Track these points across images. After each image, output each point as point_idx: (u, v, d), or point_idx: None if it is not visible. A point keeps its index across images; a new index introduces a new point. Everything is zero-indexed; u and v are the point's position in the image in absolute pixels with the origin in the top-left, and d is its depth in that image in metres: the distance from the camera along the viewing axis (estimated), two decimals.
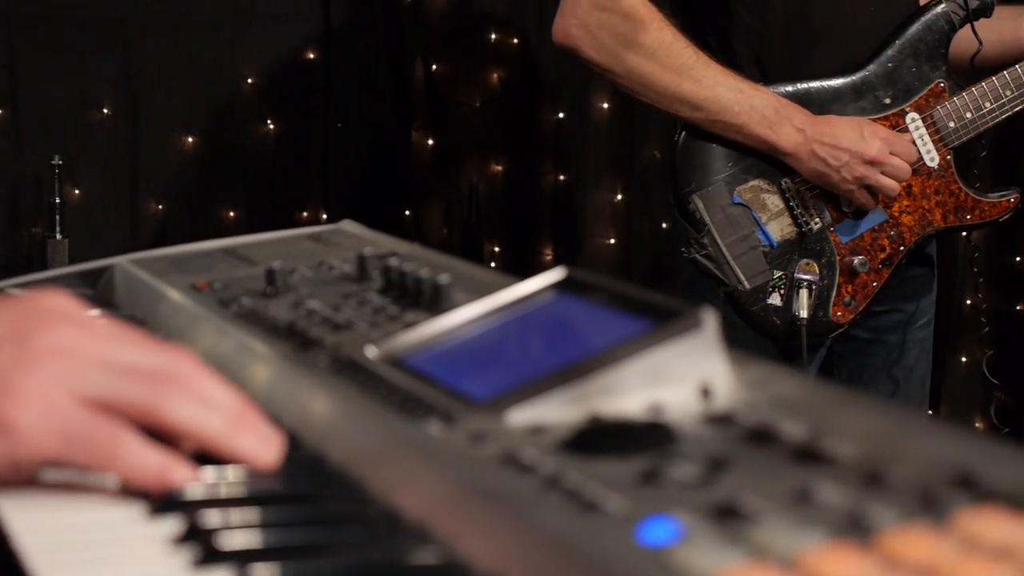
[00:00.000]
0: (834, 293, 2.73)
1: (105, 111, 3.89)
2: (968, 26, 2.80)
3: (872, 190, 2.68)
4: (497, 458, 0.97)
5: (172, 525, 0.96)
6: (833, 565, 0.75)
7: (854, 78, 2.77)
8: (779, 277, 2.70)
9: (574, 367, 1.09)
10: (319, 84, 4.12)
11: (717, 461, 0.92)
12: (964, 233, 3.21)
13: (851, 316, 2.76)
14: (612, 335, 1.11)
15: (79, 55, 3.86)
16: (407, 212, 4.18)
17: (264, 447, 1.04)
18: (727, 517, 0.84)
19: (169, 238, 3.88)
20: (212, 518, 0.96)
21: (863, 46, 2.81)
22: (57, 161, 3.65)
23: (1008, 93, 2.77)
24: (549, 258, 4.30)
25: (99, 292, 1.79)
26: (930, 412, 4.12)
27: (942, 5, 2.75)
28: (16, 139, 3.78)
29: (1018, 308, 4.33)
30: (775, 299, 2.70)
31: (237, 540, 0.92)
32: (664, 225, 4.33)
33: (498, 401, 1.07)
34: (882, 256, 2.75)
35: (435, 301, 1.38)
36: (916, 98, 2.76)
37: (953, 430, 0.94)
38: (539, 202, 4.30)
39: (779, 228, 2.74)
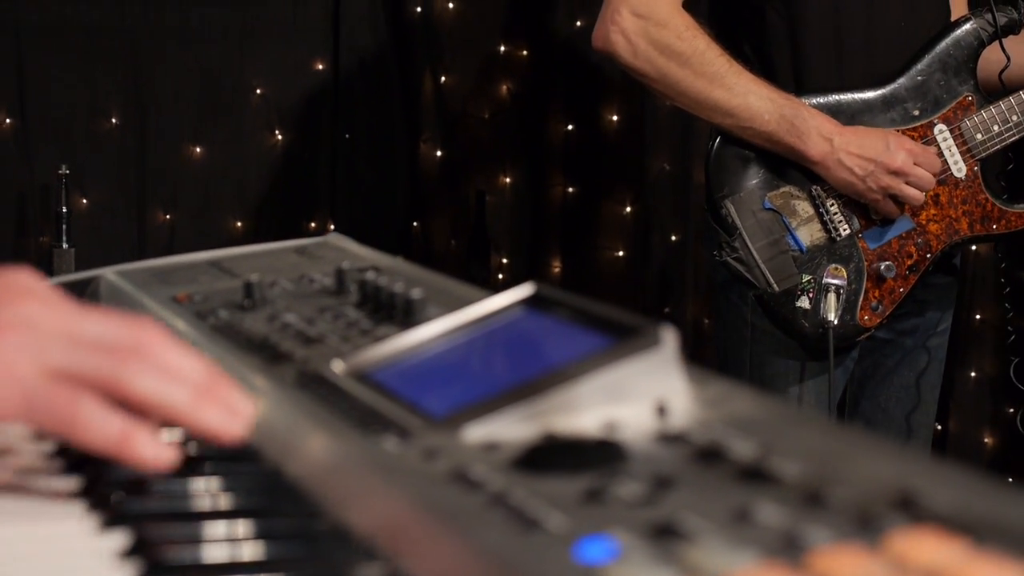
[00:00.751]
0: (861, 298, 2.77)
1: (113, 121, 3.90)
2: (996, 42, 2.84)
3: (897, 199, 2.72)
4: (447, 475, 0.97)
5: (120, 539, 0.97)
6: None
7: (884, 90, 2.82)
8: (808, 281, 2.74)
9: (532, 383, 1.09)
10: (327, 95, 4.13)
11: (663, 480, 0.93)
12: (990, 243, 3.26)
13: (878, 320, 2.79)
14: (572, 352, 1.12)
15: (87, 65, 3.87)
16: (415, 223, 4.19)
17: (230, 421, 1.03)
18: (664, 536, 0.84)
19: (176, 248, 3.89)
20: (159, 532, 0.96)
21: (894, 59, 2.86)
22: (64, 170, 3.67)
23: None
24: (557, 270, 4.31)
25: (84, 303, 1.79)
26: (938, 425, 4.11)
27: (971, 21, 2.80)
28: (24, 148, 3.79)
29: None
30: (804, 302, 2.73)
31: (183, 554, 0.92)
32: (674, 238, 4.34)
33: (455, 417, 1.07)
34: (909, 263, 2.79)
35: (407, 315, 1.38)
36: (945, 110, 2.80)
37: (899, 450, 0.94)
38: (548, 214, 4.30)
39: (809, 233, 2.78)
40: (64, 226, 3.65)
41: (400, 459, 1.01)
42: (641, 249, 4.33)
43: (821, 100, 2.79)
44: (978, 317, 4.31)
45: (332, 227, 4.09)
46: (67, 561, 0.95)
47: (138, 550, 0.94)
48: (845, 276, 2.75)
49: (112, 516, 1.00)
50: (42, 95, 3.80)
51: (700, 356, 4.41)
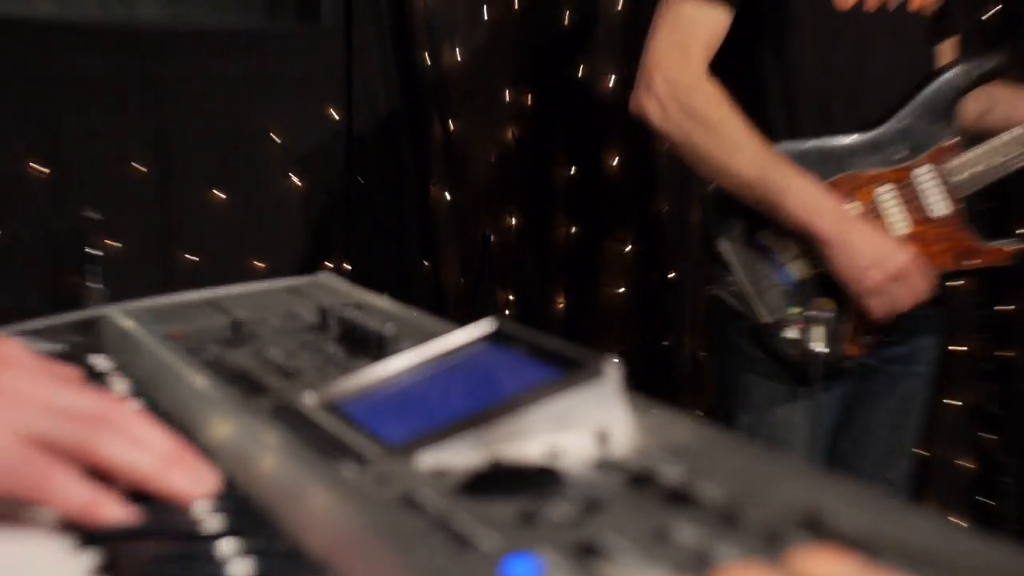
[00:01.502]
0: (849, 329, 2.77)
1: (141, 168, 3.92)
2: (979, 90, 2.89)
3: (890, 301, 2.75)
4: (396, 499, 0.99)
5: (94, 558, 0.98)
6: None
7: (871, 135, 2.84)
8: (797, 312, 2.75)
9: (483, 413, 1.11)
10: (341, 141, 4.16)
11: (593, 503, 0.95)
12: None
13: (861, 352, 2.80)
14: (523, 383, 1.14)
15: (116, 116, 3.90)
16: (425, 262, 4.20)
17: (195, 484, 1.07)
18: (586, 555, 0.85)
19: (201, 287, 3.90)
20: (130, 551, 0.98)
21: (882, 105, 2.88)
22: (95, 215, 3.68)
23: (1016, 149, 2.81)
24: (561, 306, 4.32)
25: (90, 340, 1.81)
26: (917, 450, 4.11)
27: (954, 70, 2.81)
28: (58, 195, 3.82)
29: (1011, 354, 4.31)
30: (793, 332, 2.77)
31: (142, 571, 0.93)
32: (671, 275, 4.34)
33: (409, 445, 1.09)
34: None
35: (380, 349, 1.40)
36: (927, 153, 2.82)
37: (814, 473, 0.96)
38: (552, 253, 4.32)
39: (798, 268, 2.82)
40: (96, 267, 3.66)
41: (355, 484, 1.03)
42: (641, 286, 4.34)
43: (812, 144, 2.81)
44: (958, 347, 4.30)
45: (348, 266, 4.11)
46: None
47: (109, 569, 0.96)
48: (832, 309, 2.77)
49: (86, 536, 1.02)
50: (74, 145, 3.84)
51: (698, 386, 4.42)
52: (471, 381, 1.21)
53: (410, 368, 1.29)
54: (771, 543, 0.84)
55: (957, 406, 4.31)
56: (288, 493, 1.08)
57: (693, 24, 2.79)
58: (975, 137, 2.85)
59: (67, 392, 1.07)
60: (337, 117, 4.15)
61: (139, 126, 3.93)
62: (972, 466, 4.34)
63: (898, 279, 2.73)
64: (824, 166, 2.78)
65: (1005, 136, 2.80)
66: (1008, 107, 2.97)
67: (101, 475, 1.03)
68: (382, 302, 1.68)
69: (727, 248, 2.84)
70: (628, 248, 4.34)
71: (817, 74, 2.85)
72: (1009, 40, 2.93)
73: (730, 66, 2.91)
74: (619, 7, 4.28)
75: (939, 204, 2.79)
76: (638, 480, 0.98)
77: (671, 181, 4.34)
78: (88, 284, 3.66)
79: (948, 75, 2.81)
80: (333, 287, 1.84)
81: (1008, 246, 2.86)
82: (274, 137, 4.07)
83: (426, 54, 4.16)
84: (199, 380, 1.40)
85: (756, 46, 2.90)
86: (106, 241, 3.77)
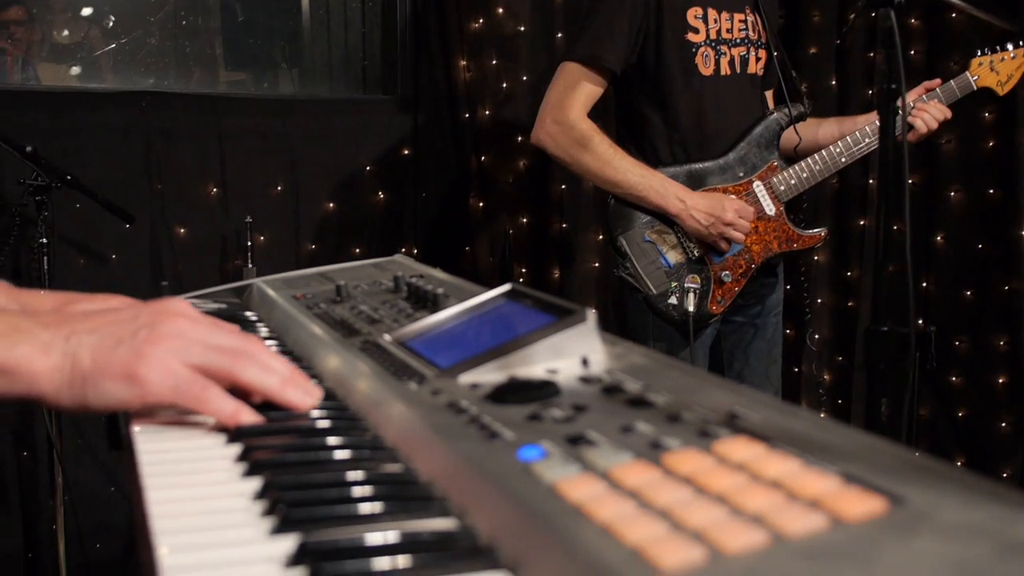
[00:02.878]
0: (710, 295, 2.79)
1: (279, 188, 3.89)
2: (792, 128, 2.92)
3: (726, 239, 2.75)
4: (444, 406, 0.95)
5: (237, 448, 0.94)
6: (630, 476, 0.72)
7: (721, 161, 2.86)
8: (675, 286, 2.78)
9: (503, 345, 1.07)
10: (411, 168, 4.13)
11: (579, 407, 0.90)
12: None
13: (722, 310, 2.83)
14: (530, 326, 1.09)
15: (263, 155, 3.90)
16: (467, 248, 4.16)
17: (306, 398, 1.04)
18: (575, 444, 0.81)
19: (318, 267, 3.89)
20: (262, 443, 0.93)
21: (730, 139, 2.91)
22: (249, 220, 3.66)
23: (818, 168, 2.85)
24: (557, 275, 4.27)
25: (243, 302, 1.79)
26: (795, 368, 4.06)
27: (775, 114, 2.86)
28: (224, 206, 3.79)
29: (849, 304, 4.25)
30: (673, 300, 2.78)
31: (271, 456, 0.89)
32: None
33: (453, 368, 1.05)
34: (740, 271, 2.83)
35: (435, 305, 1.36)
36: (759, 172, 2.85)
37: (733, 386, 0.91)
38: (550, 242, 4.28)
39: (674, 255, 2.83)
40: (249, 255, 3.64)
41: (416, 395, 0.99)
42: (608, 262, 4.30)
43: (681, 170, 2.85)
44: (820, 301, 4.25)
45: (416, 251, 4.07)
46: (204, 464, 0.92)
47: (246, 456, 0.91)
48: (699, 282, 2.83)
49: (232, 434, 0.98)
50: (235, 173, 3.81)
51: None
52: (494, 324, 1.17)
53: (453, 316, 1.25)
54: (704, 436, 0.79)
55: (818, 340, 4.27)
56: (372, 402, 1.03)
57: (577, 82, 2.82)
58: (791, 160, 2.90)
59: (217, 334, 1.05)
60: (407, 153, 4.11)
61: (278, 162, 3.91)
62: (828, 378, 4.29)
63: (729, 224, 2.75)
64: (691, 182, 2.80)
65: (810, 160, 2.84)
66: (810, 139, 2.99)
67: (242, 392, 1.02)
68: (437, 273, 1.64)
69: (623, 243, 2.86)
70: (600, 237, 4.29)
71: (688, 118, 2.85)
72: (807, 93, 2.98)
73: (628, 111, 2.94)
74: None
75: (769, 207, 2.81)
76: (608, 390, 0.94)
77: None
78: (246, 266, 3.63)
79: (771, 117, 2.86)
80: (405, 264, 1.80)
81: (818, 233, 2.92)
82: (366, 167, 4.04)
83: (466, 112, 4.11)
84: (314, 326, 1.35)
85: (645, 98, 2.87)
86: (255, 237, 3.74)
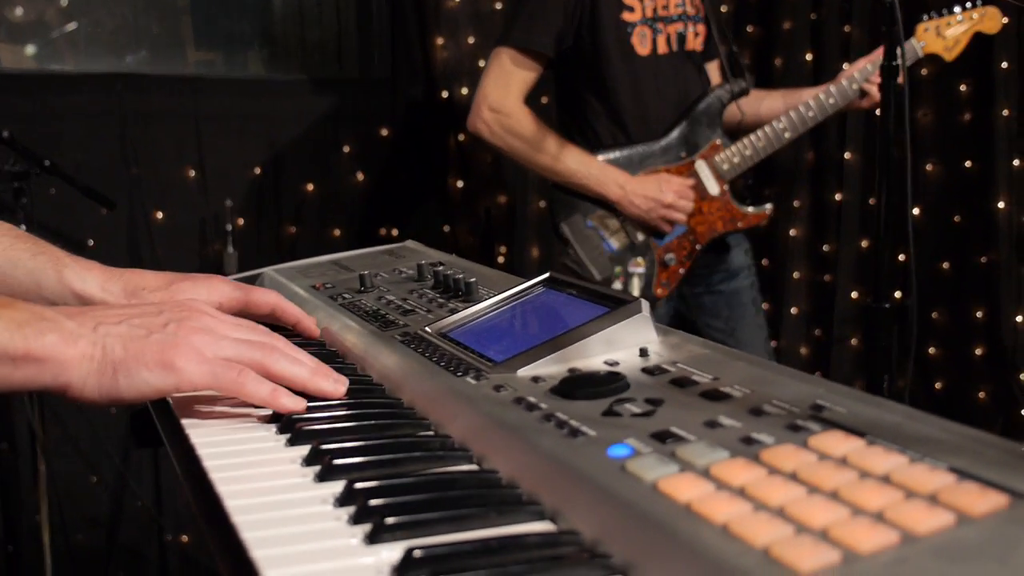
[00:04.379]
0: (655, 278, 2.77)
1: (257, 171, 3.84)
2: (734, 104, 2.86)
3: (668, 221, 2.72)
4: (511, 401, 0.93)
5: (303, 449, 0.92)
6: (733, 474, 0.71)
7: (662, 142, 2.85)
8: (619, 271, 2.75)
9: (558, 338, 1.05)
10: (390, 149, 4.08)
11: (654, 401, 0.88)
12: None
13: (667, 292, 2.85)
14: (582, 317, 1.08)
15: (241, 137, 3.83)
16: (447, 228, 4.13)
17: (335, 387, 1.06)
18: (662, 440, 0.79)
19: (298, 250, 3.84)
20: (328, 443, 0.91)
21: (671, 119, 2.84)
22: (229, 203, 3.60)
23: (760, 145, 2.82)
24: (536, 255, 4.25)
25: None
26: (773, 343, 4.08)
27: (716, 91, 2.81)
28: (203, 189, 3.73)
29: (826, 278, 4.27)
30: (617, 285, 2.78)
31: (339, 455, 0.87)
32: None
33: (510, 362, 1.03)
34: (684, 253, 2.83)
35: (467, 294, 1.34)
36: (702, 151, 2.81)
37: (808, 377, 0.90)
38: (529, 221, 4.25)
39: (617, 240, 2.81)
40: (230, 238, 3.58)
41: (478, 390, 0.97)
42: None
43: (622, 153, 2.82)
44: (795, 275, 4.27)
45: (396, 232, 4.04)
46: (261, 457, 0.91)
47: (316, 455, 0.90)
48: (643, 265, 2.79)
49: (285, 425, 0.97)
50: (213, 157, 3.75)
51: None
52: (541, 315, 1.15)
53: (493, 306, 1.23)
54: (795, 431, 0.78)
55: (796, 314, 4.29)
56: (430, 397, 1.01)
57: (512, 68, 2.78)
58: (735, 136, 2.86)
59: (245, 329, 1.08)
60: (386, 134, 4.06)
61: (257, 144, 3.84)
62: (806, 351, 4.32)
63: (669, 206, 2.73)
64: (632, 165, 2.77)
65: (752, 136, 2.80)
66: (752, 113, 2.94)
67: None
68: (454, 259, 1.62)
69: (567, 230, 2.84)
70: None
71: (628, 100, 2.80)
72: (748, 67, 2.93)
73: (568, 95, 2.90)
74: None
75: (712, 186, 2.78)
76: (678, 383, 0.93)
77: None
78: (227, 250, 3.58)
79: (712, 95, 2.81)
80: (418, 250, 1.77)
81: (763, 210, 2.89)
82: (344, 148, 3.99)
83: (444, 91, 4.07)
84: (346, 318, 1.33)
85: (584, 80, 2.83)
86: (235, 220, 3.69)
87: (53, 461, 3.34)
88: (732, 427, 0.80)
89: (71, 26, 3.85)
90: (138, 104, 3.64)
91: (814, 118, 2.80)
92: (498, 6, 4.14)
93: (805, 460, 0.72)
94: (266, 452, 0.91)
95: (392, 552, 0.70)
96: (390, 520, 0.72)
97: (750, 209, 2.87)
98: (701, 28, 2.87)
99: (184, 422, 0.99)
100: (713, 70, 2.99)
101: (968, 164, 3.90)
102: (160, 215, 3.68)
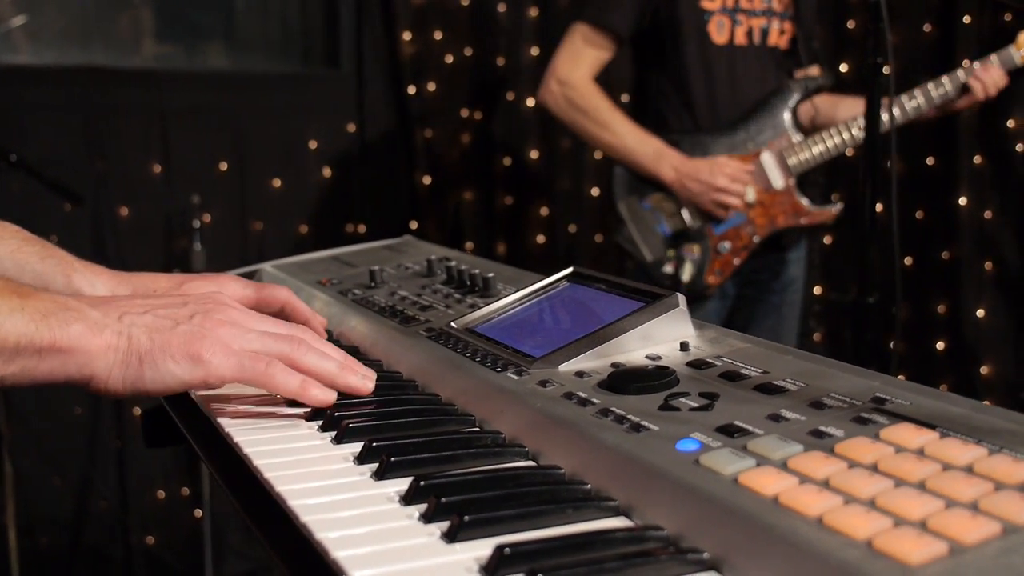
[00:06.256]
0: (707, 266, 2.75)
1: (224, 166, 3.78)
2: (809, 100, 2.86)
3: (721, 205, 2.70)
4: (561, 396, 0.92)
5: (356, 446, 0.91)
6: (813, 467, 0.71)
7: (730, 131, 2.85)
8: (672, 254, 2.73)
9: (596, 333, 1.05)
10: (356, 145, 4.05)
11: (708, 395, 0.88)
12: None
13: (719, 281, 2.81)
14: (617, 311, 1.07)
15: (207, 131, 3.77)
16: (414, 224, 4.10)
17: (364, 382, 1.05)
18: (732, 435, 0.79)
19: (266, 247, 3.80)
20: (380, 440, 0.90)
21: (742, 109, 2.84)
22: (196, 199, 3.55)
23: (833, 142, 2.80)
24: (502, 251, 4.24)
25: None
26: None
27: (793, 84, 2.80)
28: (168, 184, 3.67)
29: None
30: (668, 268, 2.75)
31: (395, 452, 0.85)
32: (572, 229, 4.29)
33: (550, 357, 1.02)
34: (740, 243, 2.80)
35: (486, 290, 1.33)
36: (770, 143, 2.80)
37: (855, 369, 0.90)
38: (496, 217, 4.25)
39: (672, 224, 2.81)
40: (197, 235, 3.53)
41: (523, 385, 0.96)
42: (553, 237, 4.28)
43: (688, 137, 2.80)
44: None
45: (364, 229, 4.01)
46: (307, 454, 0.90)
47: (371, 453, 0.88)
48: (697, 252, 2.75)
49: (326, 421, 0.96)
50: (180, 151, 3.69)
51: None
52: (572, 310, 1.14)
53: (518, 301, 1.22)
54: (863, 423, 0.78)
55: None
56: (471, 393, 1.00)
57: (584, 44, 2.80)
58: (806, 133, 2.82)
59: (271, 323, 1.06)
60: (353, 129, 4.03)
61: (222, 138, 3.79)
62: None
63: (721, 190, 2.71)
64: (696, 150, 2.76)
65: (825, 133, 2.77)
66: (828, 113, 2.92)
67: None
68: (458, 254, 1.60)
69: (623, 209, 2.83)
70: (542, 211, 4.28)
71: (699, 86, 2.80)
72: (829, 64, 2.88)
73: (641, 76, 2.92)
74: (534, 54, 4.20)
75: (777, 179, 2.76)
76: (728, 376, 0.92)
77: (573, 171, 4.28)
78: (194, 247, 3.52)
79: (788, 88, 2.79)
80: (420, 245, 1.76)
81: (829, 209, 2.82)
82: (311, 144, 3.95)
83: (411, 86, 4.05)
84: (358, 314, 1.31)
85: (657, 63, 2.84)
86: (202, 216, 3.63)
87: (19, 461, 3.27)
88: (797, 420, 0.80)
89: (18, 20, 3.76)
90: (102, 98, 3.57)
91: (916, 109, 2.75)
92: (464, 2, 4.13)
93: (883, 453, 0.72)
94: (315, 451, 0.89)
95: (472, 550, 0.69)
96: (468, 518, 0.71)
97: (815, 206, 2.83)
98: (788, 26, 2.85)
99: (222, 421, 0.97)
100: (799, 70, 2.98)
101: (930, 161, 3.96)
102: (125, 211, 3.61)
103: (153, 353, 0.96)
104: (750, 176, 2.74)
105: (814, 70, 2.85)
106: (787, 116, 2.79)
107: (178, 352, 0.96)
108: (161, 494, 3.71)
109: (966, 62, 2.88)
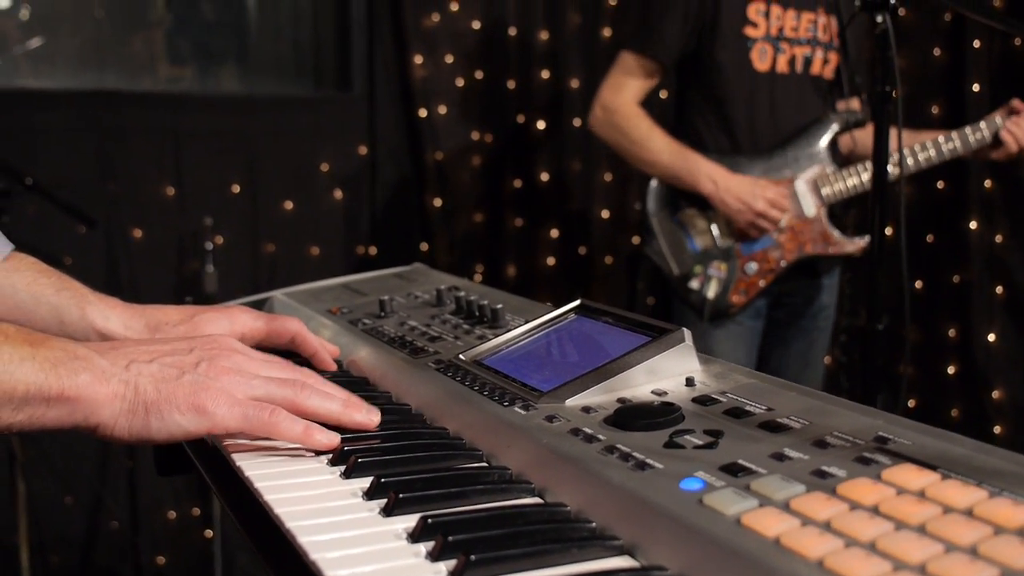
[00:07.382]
0: (733, 285, 2.78)
1: (236, 188, 3.81)
2: (848, 133, 2.88)
3: (756, 227, 2.74)
4: (567, 432, 0.93)
5: (365, 481, 0.92)
6: (815, 509, 0.71)
7: (767, 157, 2.87)
8: (699, 269, 2.77)
9: (603, 368, 1.05)
10: (368, 168, 4.08)
11: (713, 432, 0.89)
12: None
13: (744, 301, 2.83)
14: (623, 346, 1.08)
15: (220, 155, 3.80)
16: (424, 246, 4.12)
17: (368, 417, 1.07)
18: (736, 474, 0.80)
19: (277, 269, 3.82)
20: (388, 476, 0.91)
21: (781, 136, 2.87)
22: (208, 221, 3.57)
23: (866, 176, 2.84)
24: (513, 274, 4.26)
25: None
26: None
27: (833, 116, 2.83)
28: (181, 207, 3.70)
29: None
30: (695, 284, 2.79)
31: (403, 489, 0.86)
32: (582, 251, 4.30)
33: (557, 392, 1.03)
34: (767, 266, 2.82)
35: (494, 321, 1.33)
36: (806, 171, 2.82)
37: (859, 407, 0.91)
38: (506, 239, 4.26)
39: (702, 240, 2.84)
40: (210, 257, 3.55)
41: (529, 420, 0.97)
42: (563, 259, 4.30)
43: (726, 158, 2.85)
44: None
45: (374, 251, 4.03)
46: (311, 479, 0.91)
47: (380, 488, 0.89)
48: (724, 270, 2.80)
49: (336, 457, 0.97)
50: (193, 174, 3.73)
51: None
52: (579, 343, 1.15)
53: (526, 333, 1.23)
54: (865, 463, 0.79)
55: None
56: (478, 427, 1.01)
57: (629, 71, 2.87)
58: (842, 165, 2.85)
59: (273, 367, 1.09)
60: (364, 152, 4.06)
61: (234, 160, 3.82)
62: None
63: (760, 214, 2.75)
64: (732, 171, 2.79)
65: (860, 166, 2.80)
66: (866, 146, 2.92)
67: (306, 418, 1.04)
68: (467, 283, 1.61)
69: (655, 222, 2.89)
70: (552, 233, 4.29)
71: (739, 112, 2.85)
72: (869, 96, 2.87)
73: (683, 100, 2.98)
74: (544, 77, 4.23)
75: (810, 207, 2.79)
76: (733, 413, 0.93)
77: (581, 193, 4.30)
78: (206, 269, 3.54)
79: (828, 119, 2.83)
80: (429, 274, 1.77)
81: (858, 241, 2.84)
82: (322, 166, 3.97)
83: (422, 109, 4.08)
84: (368, 344, 1.32)
85: (700, 88, 2.89)
86: (215, 238, 3.66)
87: (31, 481, 3.29)
88: (800, 459, 0.81)
89: (34, 43, 3.80)
90: (115, 121, 3.61)
91: (929, 160, 2.78)
92: (476, 25, 4.15)
93: (884, 494, 0.73)
94: (325, 485, 0.91)
95: None
96: (474, 557, 0.72)
97: (844, 237, 2.84)
98: (832, 56, 2.88)
99: (234, 456, 0.99)
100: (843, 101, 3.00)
101: (940, 185, 3.97)
102: (138, 233, 3.64)
103: (159, 404, 0.98)
104: (789, 204, 2.77)
105: (855, 103, 2.88)
106: (824, 146, 2.82)
107: (183, 404, 0.99)
108: (172, 514, 3.72)
109: (1002, 111, 2.86)
